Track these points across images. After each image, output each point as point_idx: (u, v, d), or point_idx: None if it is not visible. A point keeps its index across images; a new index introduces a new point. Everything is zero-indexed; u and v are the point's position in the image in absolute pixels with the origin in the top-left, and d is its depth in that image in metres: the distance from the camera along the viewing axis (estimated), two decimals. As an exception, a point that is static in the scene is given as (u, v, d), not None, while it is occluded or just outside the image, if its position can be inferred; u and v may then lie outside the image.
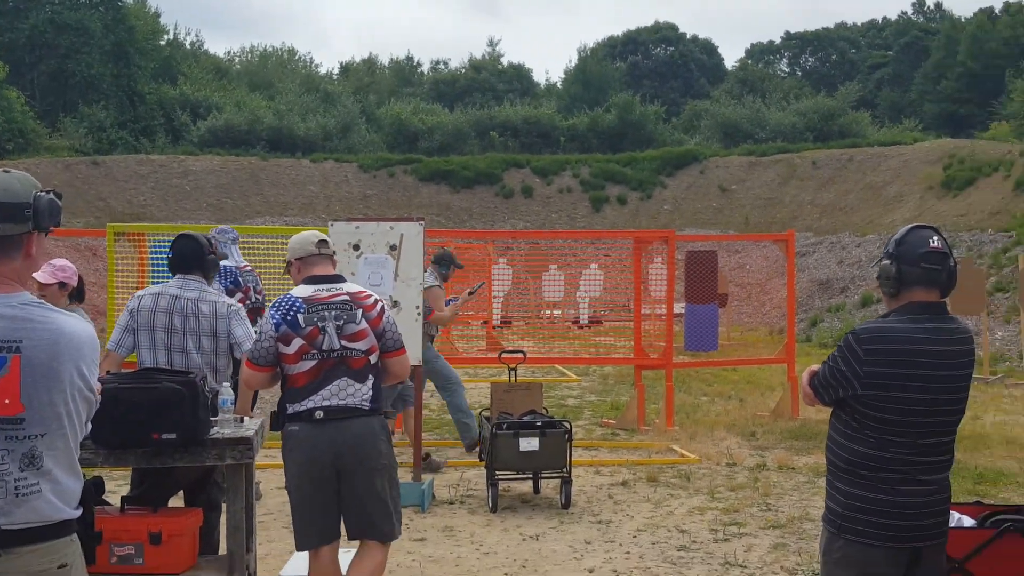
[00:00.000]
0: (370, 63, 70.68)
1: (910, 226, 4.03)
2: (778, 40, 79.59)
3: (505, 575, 6.95)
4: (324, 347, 5.27)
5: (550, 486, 9.41)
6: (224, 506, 5.90)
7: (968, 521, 5.34)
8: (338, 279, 5.52)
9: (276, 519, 8.35)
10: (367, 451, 5.33)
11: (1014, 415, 13.78)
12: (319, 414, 5.25)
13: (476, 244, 25.04)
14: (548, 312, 23.44)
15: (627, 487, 9.58)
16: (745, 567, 7.05)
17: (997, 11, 61.55)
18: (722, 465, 10.56)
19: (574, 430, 12.31)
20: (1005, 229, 26.58)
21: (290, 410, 5.32)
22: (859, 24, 79.21)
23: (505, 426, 8.76)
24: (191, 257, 6.25)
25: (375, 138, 46.77)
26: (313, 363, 5.27)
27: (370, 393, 5.38)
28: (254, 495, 6.21)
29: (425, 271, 10.19)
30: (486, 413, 9.81)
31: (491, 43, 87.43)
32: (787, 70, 76.13)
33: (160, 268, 12.29)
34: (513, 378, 9.98)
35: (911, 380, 3.83)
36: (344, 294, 5.40)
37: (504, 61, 71.24)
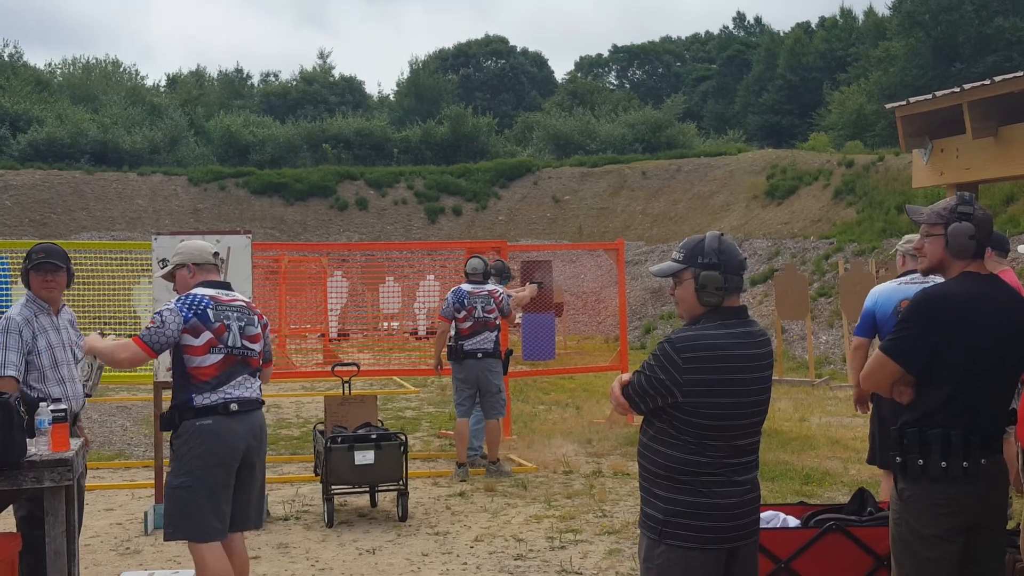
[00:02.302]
0: (198, 75, 69.15)
1: (716, 233, 4.05)
2: (606, 53, 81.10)
3: (341, 591, 6.84)
4: (229, 343, 5.61)
5: (387, 499, 9.33)
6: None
7: (793, 521, 5.50)
8: (230, 287, 5.90)
9: (104, 542, 8.04)
10: (264, 440, 5.79)
11: (838, 416, 14.26)
12: (234, 406, 5.55)
13: (310, 257, 24.74)
14: (386, 324, 23.29)
15: (465, 498, 9.56)
16: (581, 574, 7.09)
17: (813, 25, 63.99)
18: (559, 473, 10.63)
19: (412, 442, 12.29)
20: (826, 236, 27.58)
21: (198, 403, 5.52)
22: (683, 38, 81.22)
23: (339, 439, 8.64)
24: None
25: (205, 151, 45.77)
26: (220, 357, 5.57)
27: (260, 388, 5.80)
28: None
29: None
30: (321, 427, 9.67)
31: (322, 55, 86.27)
32: (615, 83, 77.57)
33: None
34: (347, 391, 9.86)
35: (728, 385, 3.89)
36: (241, 300, 5.82)
37: (336, 73, 70.73)
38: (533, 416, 14.65)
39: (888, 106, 11.95)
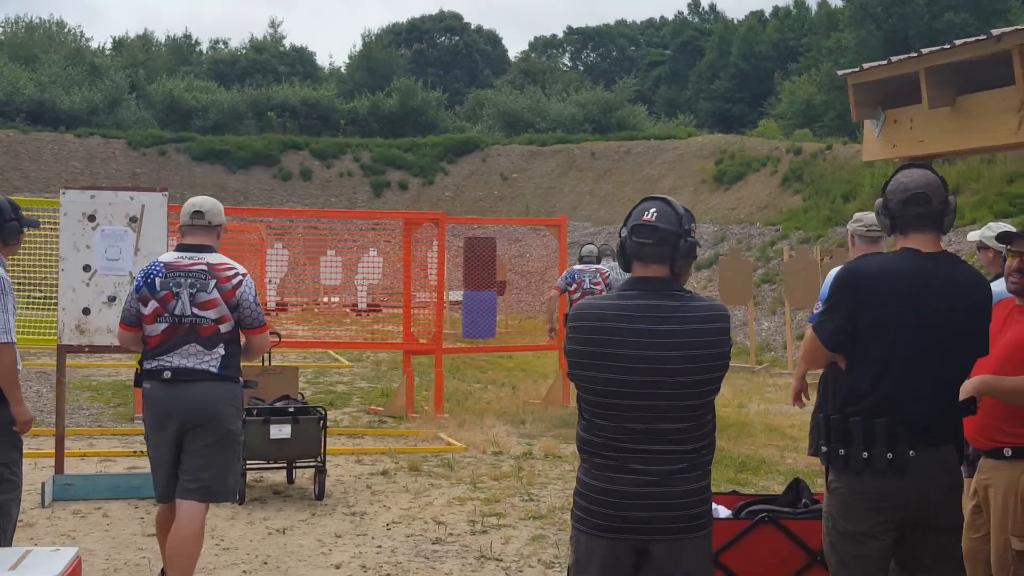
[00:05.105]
0: (145, 39, 67.66)
1: (643, 198, 3.78)
2: (560, 34, 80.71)
3: (243, 572, 6.40)
4: (176, 312, 5.53)
5: (306, 476, 8.89)
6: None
7: (724, 512, 5.13)
8: (204, 249, 5.68)
9: None
10: (209, 413, 5.52)
11: (777, 404, 14.02)
12: (167, 374, 5.53)
13: (250, 223, 24.10)
14: (326, 298, 22.83)
15: (387, 477, 9.14)
16: (501, 560, 6.70)
17: (767, 15, 63.93)
18: (488, 453, 10.25)
19: (339, 417, 11.87)
20: (772, 223, 27.39)
21: (144, 366, 5.62)
22: (638, 22, 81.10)
23: (255, 412, 8.19)
24: None
25: (146, 115, 44.81)
26: (165, 326, 5.55)
27: (219, 360, 5.58)
28: None
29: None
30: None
31: (273, 24, 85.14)
32: (569, 64, 77.13)
33: None
34: (267, 362, 9.40)
35: (603, 359, 3.53)
36: (203, 264, 5.60)
37: (286, 43, 69.61)
38: (467, 394, 14.27)
39: (840, 72, 11.59)
